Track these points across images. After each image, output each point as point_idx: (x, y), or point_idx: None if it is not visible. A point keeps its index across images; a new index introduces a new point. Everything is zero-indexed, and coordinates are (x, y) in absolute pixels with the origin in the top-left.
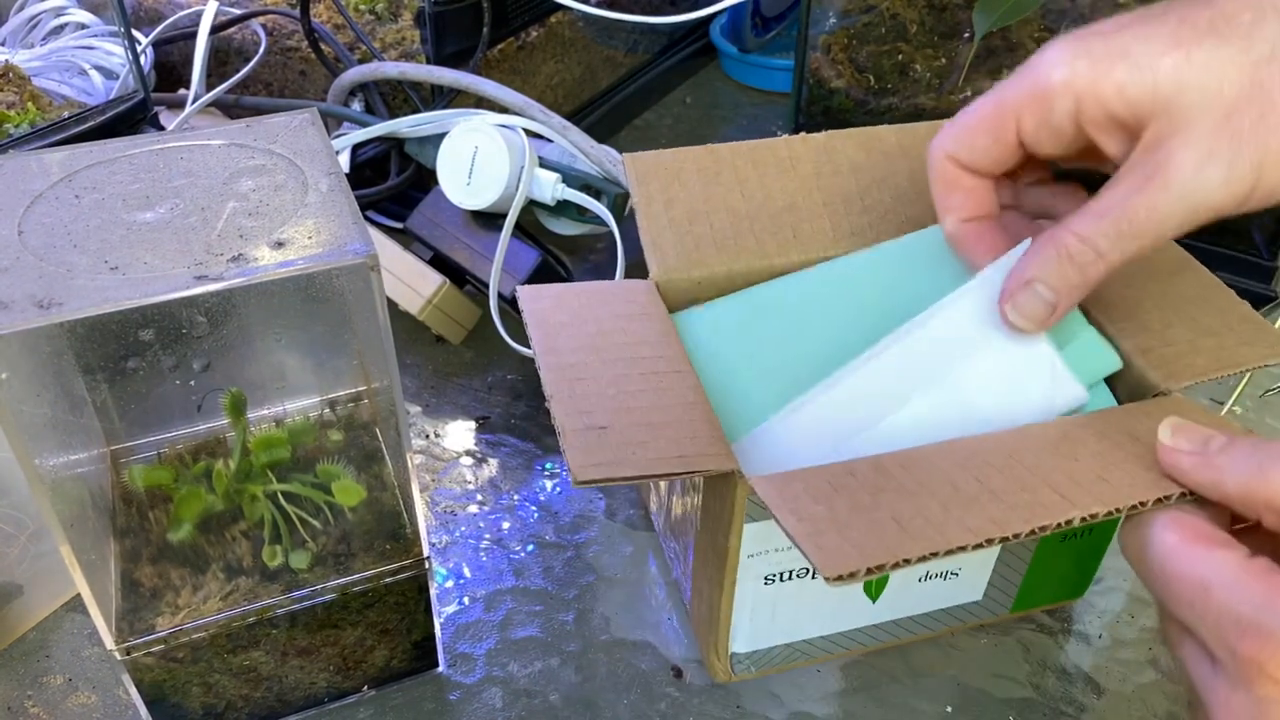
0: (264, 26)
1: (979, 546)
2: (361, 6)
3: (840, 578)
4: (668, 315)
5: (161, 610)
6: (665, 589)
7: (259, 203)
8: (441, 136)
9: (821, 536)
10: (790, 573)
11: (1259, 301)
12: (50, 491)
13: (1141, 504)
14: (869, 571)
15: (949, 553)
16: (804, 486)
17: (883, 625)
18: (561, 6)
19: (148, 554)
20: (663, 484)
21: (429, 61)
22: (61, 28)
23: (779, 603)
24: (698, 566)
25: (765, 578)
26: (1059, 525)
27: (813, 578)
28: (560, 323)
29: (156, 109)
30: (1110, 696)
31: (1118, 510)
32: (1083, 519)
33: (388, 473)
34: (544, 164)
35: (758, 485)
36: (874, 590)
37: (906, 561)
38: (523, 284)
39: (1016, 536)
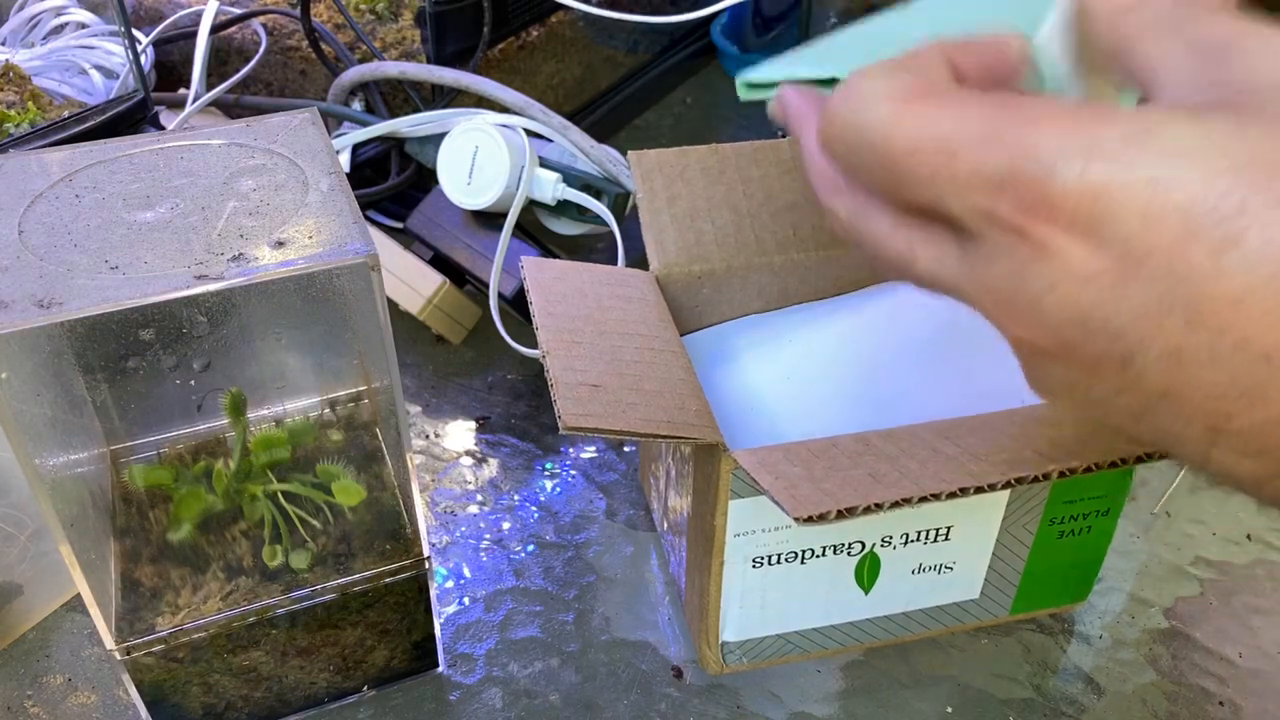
0: (264, 26)
1: (953, 495)
2: (362, 6)
3: (810, 519)
4: (665, 306)
5: (161, 610)
6: (666, 589)
7: (259, 202)
8: (442, 136)
9: (795, 489)
10: (779, 556)
11: None
12: (50, 491)
13: (1122, 460)
14: (839, 514)
15: (922, 499)
16: (784, 454)
17: (877, 620)
18: (562, 6)
19: (148, 554)
20: (662, 480)
21: (429, 61)
22: (61, 27)
23: (768, 589)
24: (689, 554)
25: (753, 560)
26: (1036, 479)
27: (802, 563)
28: (561, 293)
29: (156, 109)
30: (1110, 697)
31: (1096, 466)
32: (1060, 473)
33: (388, 473)
34: (544, 164)
35: (740, 457)
36: (866, 580)
37: (878, 506)
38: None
39: (992, 487)
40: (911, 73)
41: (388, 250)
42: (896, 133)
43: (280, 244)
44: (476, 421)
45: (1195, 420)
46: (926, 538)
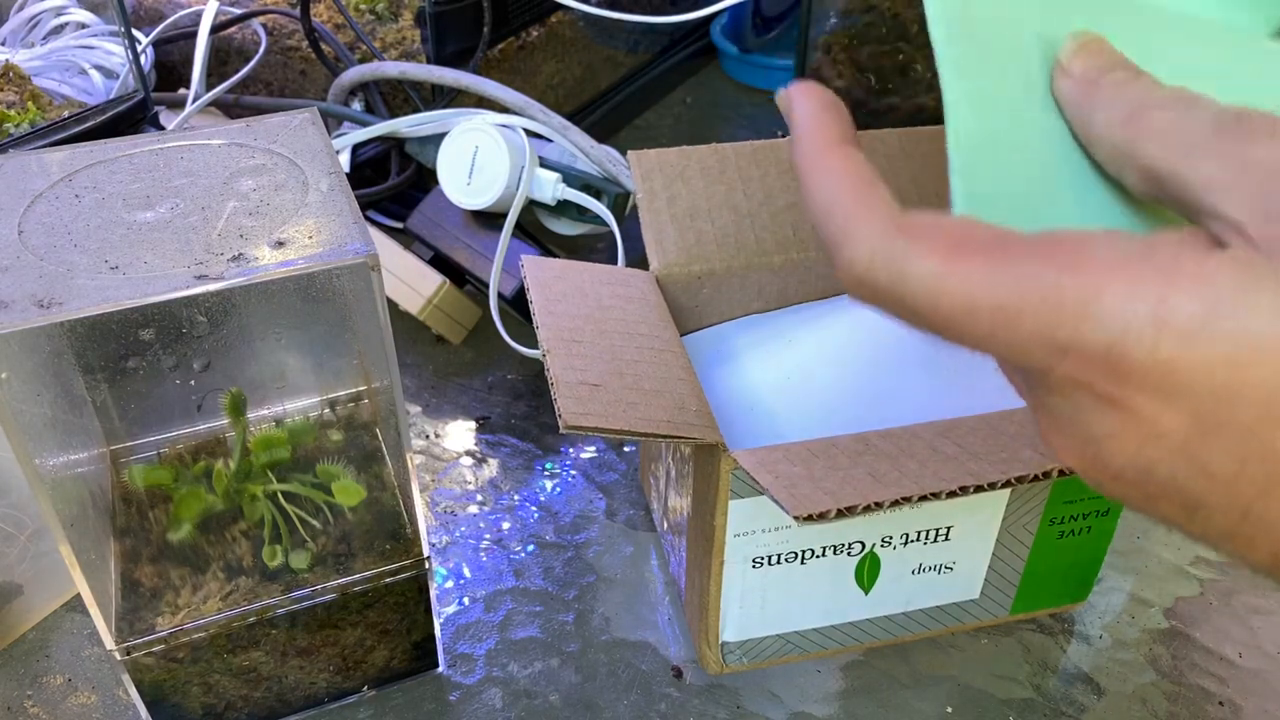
0: (264, 26)
1: (953, 494)
2: (362, 6)
3: (810, 518)
4: (665, 306)
5: (161, 610)
6: (666, 589)
7: (259, 202)
8: (442, 136)
9: (795, 488)
10: (779, 556)
11: None
12: (50, 491)
13: None
14: (839, 513)
15: (922, 498)
16: (784, 454)
17: (877, 620)
18: (562, 6)
19: (148, 554)
20: (662, 480)
21: (429, 61)
22: (61, 27)
23: (768, 589)
24: (689, 554)
25: (753, 560)
26: (1035, 478)
27: (802, 563)
28: (562, 292)
29: (156, 109)
30: (1110, 697)
31: None
32: (1060, 472)
33: (388, 473)
34: (544, 164)
35: (740, 457)
36: (866, 580)
37: (878, 505)
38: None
39: (992, 486)
40: (929, 216)
41: (388, 250)
42: (945, 297)
43: (280, 244)
44: (476, 421)
45: (1261, 549)
46: (926, 538)
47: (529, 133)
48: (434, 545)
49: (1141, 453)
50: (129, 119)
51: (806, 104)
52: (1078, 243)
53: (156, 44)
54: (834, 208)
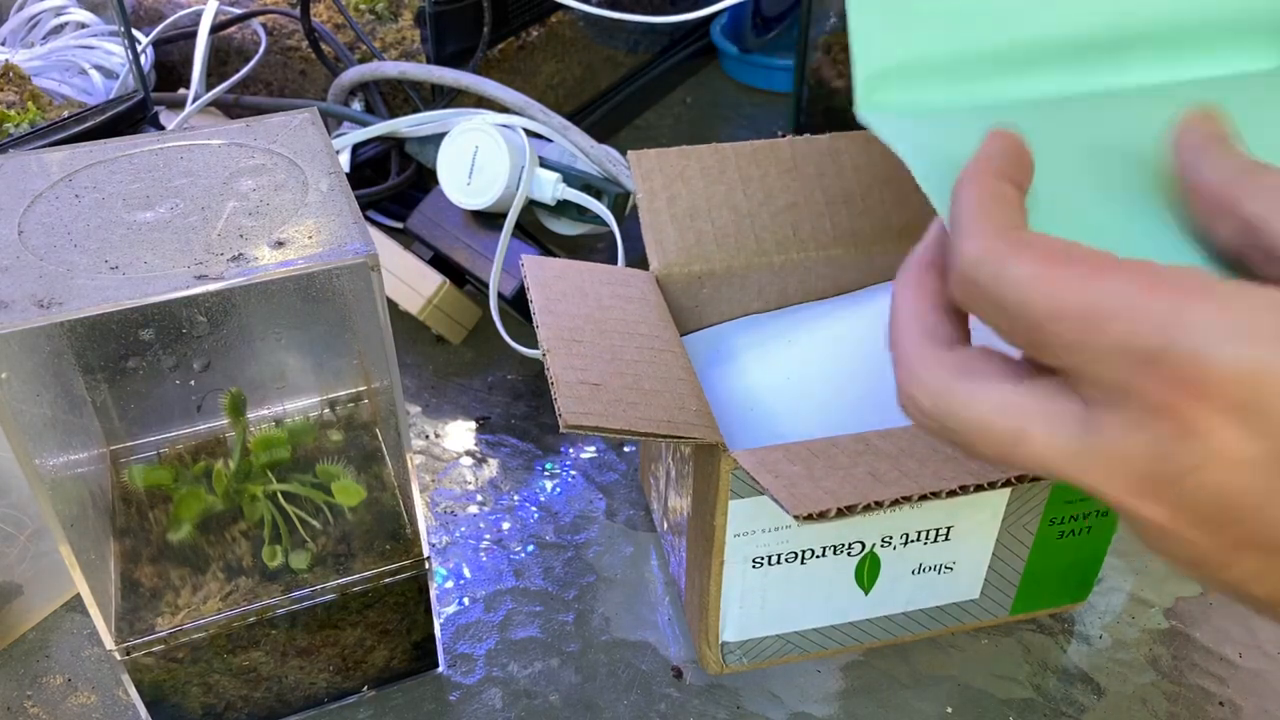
0: (264, 26)
1: (953, 493)
2: (362, 6)
3: (810, 517)
4: (665, 306)
5: (161, 610)
6: (666, 589)
7: (259, 202)
8: (441, 136)
9: (795, 487)
10: (779, 556)
11: None
12: (50, 491)
13: None
14: (839, 513)
15: (922, 497)
16: (784, 454)
17: (877, 620)
18: (562, 6)
19: (148, 554)
20: (662, 480)
21: (429, 61)
22: (61, 27)
23: (768, 589)
24: (689, 554)
25: (753, 560)
26: (1035, 477)
27: (802, 563)
28: (562, 291)
29: (156, 109)
30: (1110, 697)
31: None
32: None
33: (388, 473)
34: (544, 164)
35: (740, 457)
36: (866, 580)
37: (878, 504)
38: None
39: (992, 485)
40: (1039, 234)
41: (388, 250)
42: (1037, 298)
43: (280, 244)
44: (476, 421)
45: None
46: (926, 538)
47: (529, 133)
48: (434, 545)
49: (1227, 485)
50: (129, 119)
51: (996, 143)
52: (1168, 270)
53: (156, 44)
54: (964, 207)
